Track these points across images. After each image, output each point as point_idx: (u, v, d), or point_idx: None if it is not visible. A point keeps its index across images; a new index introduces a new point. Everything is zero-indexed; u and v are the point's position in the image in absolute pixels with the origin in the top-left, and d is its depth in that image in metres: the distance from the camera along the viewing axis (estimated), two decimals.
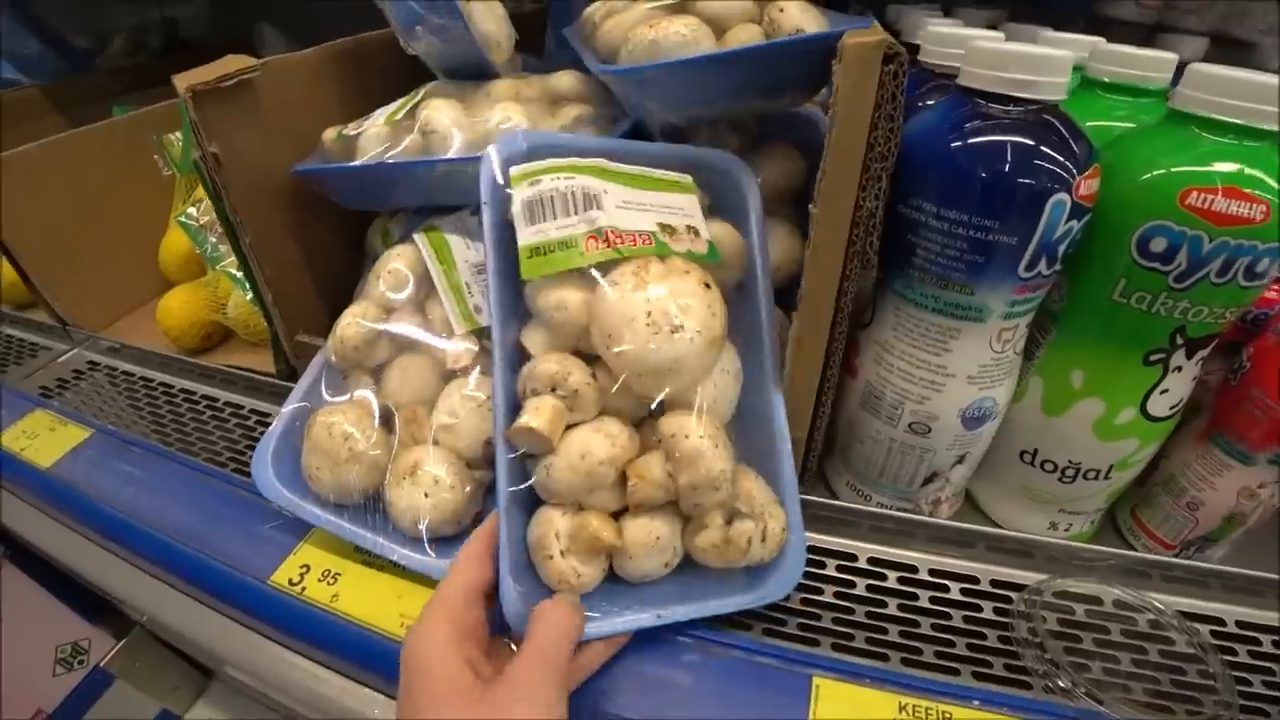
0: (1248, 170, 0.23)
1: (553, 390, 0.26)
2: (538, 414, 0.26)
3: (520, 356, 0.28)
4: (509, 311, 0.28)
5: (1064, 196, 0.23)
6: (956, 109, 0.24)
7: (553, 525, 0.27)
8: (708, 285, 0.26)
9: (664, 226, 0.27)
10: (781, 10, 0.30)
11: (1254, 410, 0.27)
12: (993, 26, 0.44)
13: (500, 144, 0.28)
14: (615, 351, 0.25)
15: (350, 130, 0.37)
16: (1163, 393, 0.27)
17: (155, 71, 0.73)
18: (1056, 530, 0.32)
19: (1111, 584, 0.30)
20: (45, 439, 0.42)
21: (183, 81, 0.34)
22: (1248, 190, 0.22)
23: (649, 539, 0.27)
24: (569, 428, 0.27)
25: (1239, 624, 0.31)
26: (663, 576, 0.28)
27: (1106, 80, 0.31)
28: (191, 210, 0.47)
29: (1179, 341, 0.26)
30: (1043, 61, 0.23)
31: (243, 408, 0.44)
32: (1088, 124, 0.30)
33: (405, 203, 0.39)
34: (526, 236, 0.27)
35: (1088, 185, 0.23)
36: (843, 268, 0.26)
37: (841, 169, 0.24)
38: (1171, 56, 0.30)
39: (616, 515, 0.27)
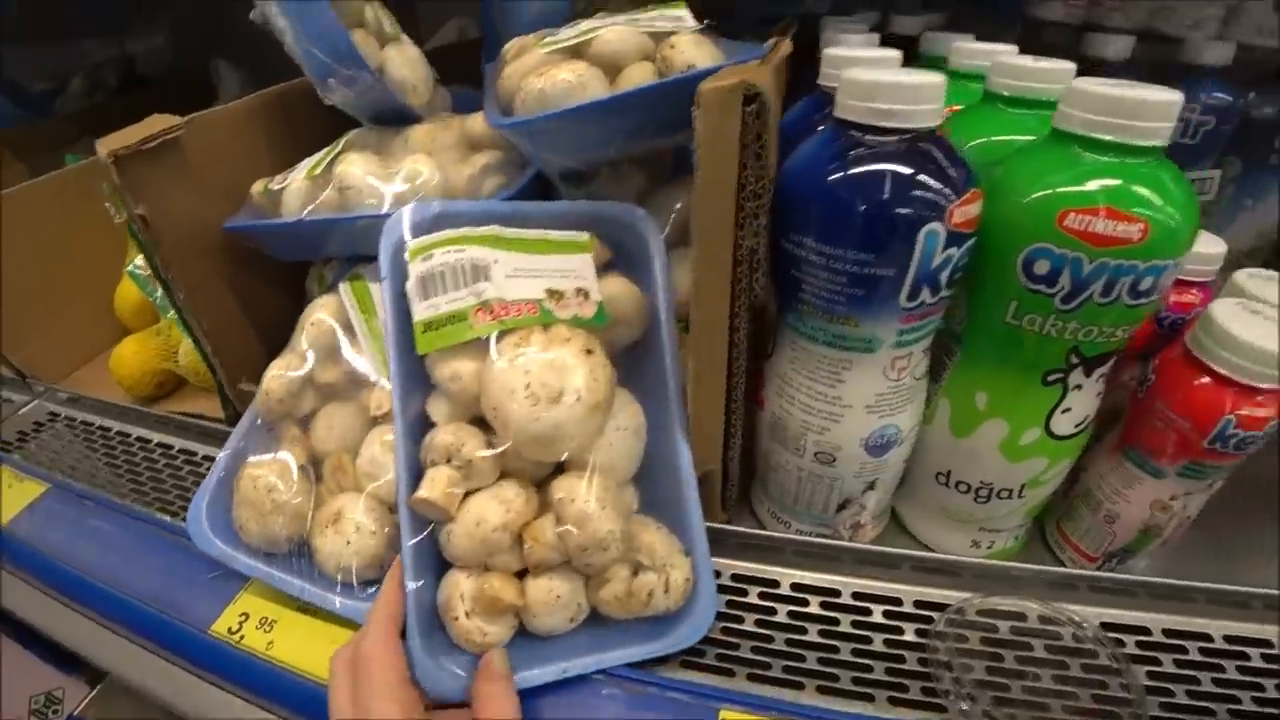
0: (1125, 189, 0.22)
1: (448, 461, 0.26)
2: (433, 486, 0.26)
3: (424, 424, 0.28)
4: (412, 382, 0.28)
5: (937, 226, 0.22)
6: (831, 142, 0.24)
7: (458, 587, 0.27)
8: (589, 351, 0.26)
9: (552, 292, 0.27)
10: (673, 47, 0.30)
11: (1159, 423, 0.27)
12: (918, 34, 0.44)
13: (395, 219, 0.29)
14: (500, 422, 0.25)
15: (275, 185, 0.37)
16: (1065, 411, 0.26)
17: (112, 111, 0.73)
18: (979, 548, 0.31)
19: (1036, 599, 0.30)
20: (4, 495, 0.42)
21: (104, 146, 0.34)
22: (1125, 210, 0.22)
23: (550, 598, 0.26)
24: (469, 494, 0.27)
25: (1165, 632, 0.30)
26: (573, 628, 0.28)
27: (1006, 94, 0.30)
28: (139, 260, 0.47)
29: (1075, 361, 0.25)
30: (911, 91, 0.22)
31: (196, 454, 0.44)
32: (991, 138, 0.30)
33: (334, 254, 0.39)
34: (420, 312, 0.27)
35: (963, 212, 0.23)
36: (730, 306, 0.26)
37: (713, 211, 0.24)
38: (1068, 66, 0.29)
39: (521, 574, 0.27)
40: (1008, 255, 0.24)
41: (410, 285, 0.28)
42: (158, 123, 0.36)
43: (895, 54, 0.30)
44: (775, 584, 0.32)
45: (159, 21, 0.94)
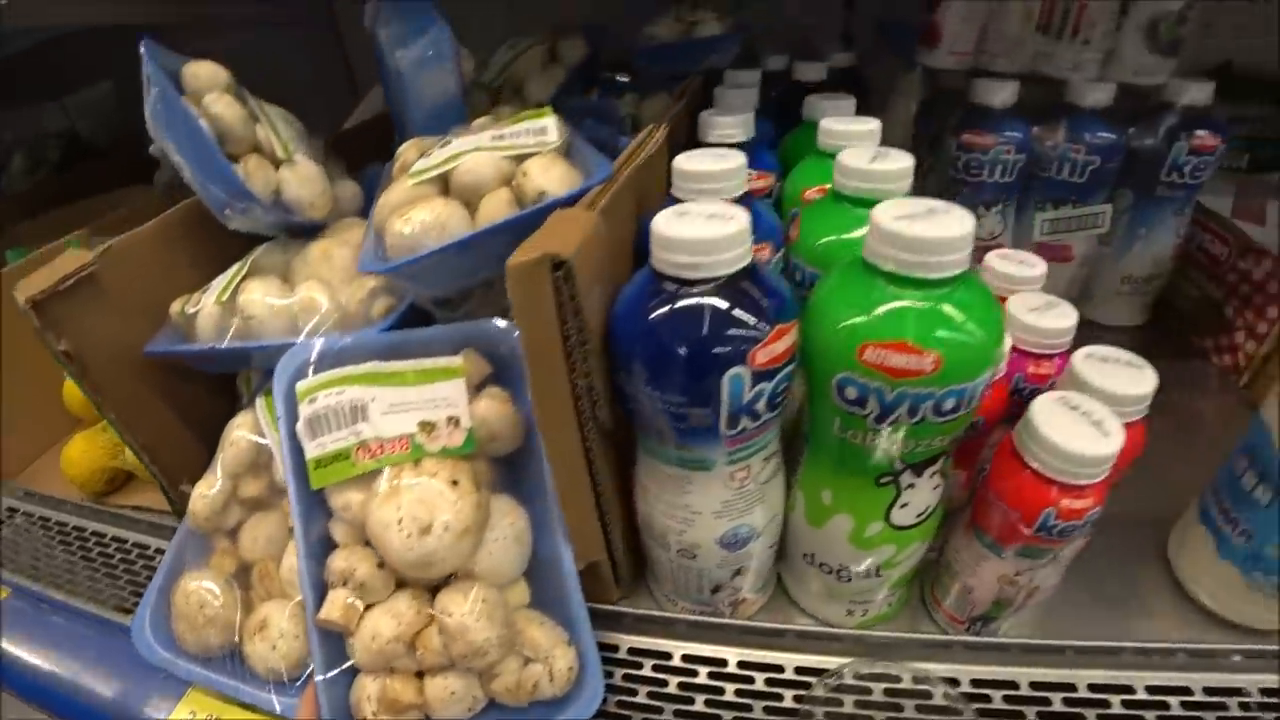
0: (918, 323, 0.23)
1: (345, 583, 0.28)
2: (332, 607, 0.28)
3: (328, 544, 0.30)
4: (311, 508, 0.31)
5: (740, 370, 0.24)
6: (645, 288, 0.25)
7: (365, 690, 0.29)
8: (456, 482, 0.28)
9: (424, 425, 0.29)
10: (525, 174, 0.31)
11: (994, 509, 0.28)
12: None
13: (285, 361, 0.31)
14: (381, 551, 0.27)
15: (190, 307, 0.39)
16: (903, 506, 0.28)
17: (56, 188, 0.74)
18: (853, 616, 0.33)
19: (911, 661, 0.31)
20: None
21: (21, 293, 0.36)
22: (917, 344, 0.23)
23: (446, 694, 0.29)
24: (368, 607, 0.29)
25: (1032, 685, 0.32)
26: (475, 715, 0.30)
27: (847, 194, 0.31)
28: None
29: (900, 466, 0.27)
30: (710, 245, 0.24)
31: (148, 548, 0.46)
32: (838, 237, 0.31)
33: (256, 367, 0.40)
34: (310, 450, 0.29)
35: (769, 351, 0.24)
36: (579, 434, 0.27)
37: (543, 362, 0.25)
38: (904, 166, 0.30)
39: (422, 673, 0.29)
40: (825, 378, 0.26)
41: (300, 427, 0.30)
42: (70, 261, 0.38)
43: (740, 159, 0.31)
44: (668, 656, 0.34)
45: (98, 86, 0.94)
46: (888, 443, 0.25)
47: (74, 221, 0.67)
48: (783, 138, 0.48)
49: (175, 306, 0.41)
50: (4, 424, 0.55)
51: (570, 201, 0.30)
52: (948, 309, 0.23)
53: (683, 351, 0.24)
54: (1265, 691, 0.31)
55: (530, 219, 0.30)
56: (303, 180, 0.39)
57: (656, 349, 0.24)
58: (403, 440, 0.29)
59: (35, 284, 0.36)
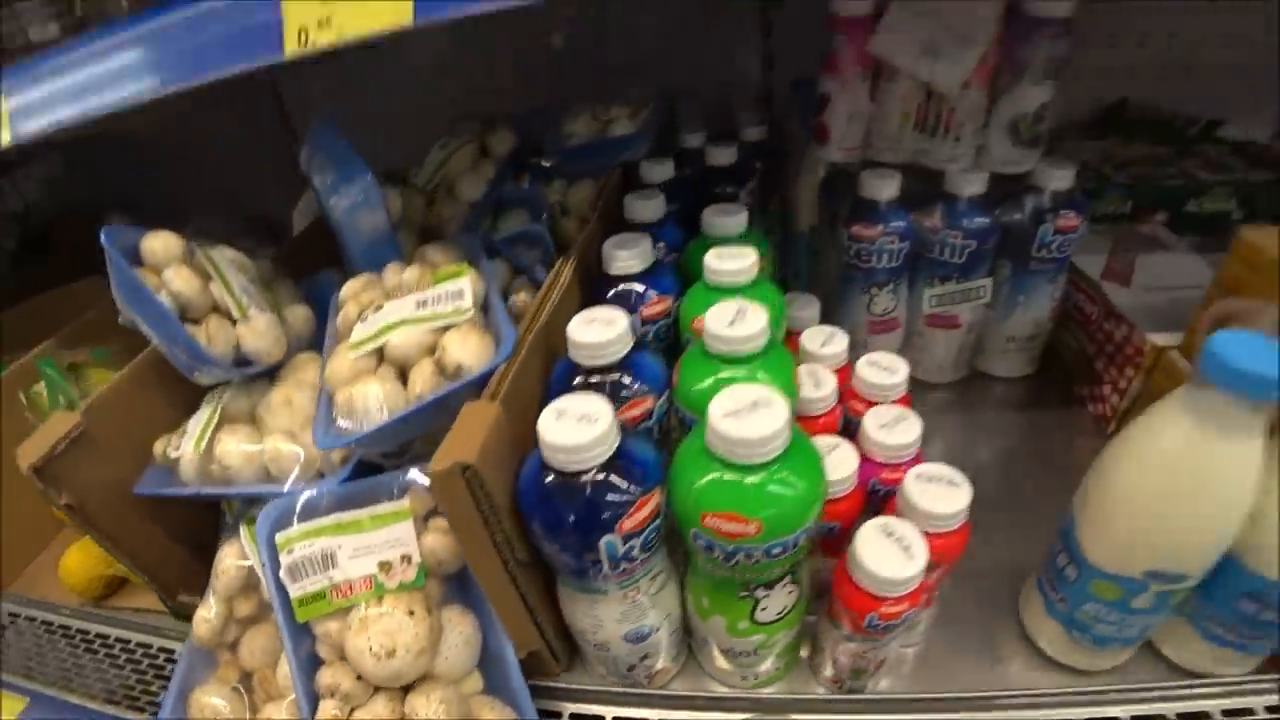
0: (742, 498, 0.33)
1: (332, 695, 0.39)
2: (324, 715, 0.39)
3: (316, 659, 0.41)
4: (299, 632, 0.41)
5: (611, 537, 0.34)
6: (537, 471, 0.35)
7: None
8: (412, 612, 0.38)
9: (383, 564, 0.40)
10: (444, 349, 0.41)
11: (838, 606, 0.39)
12: None
13: (264, 517, 0.41)
14: (357, 670, 0.38)
15: (172, 451, 0.49)
16: (763, 609, 0.39)
17: (13, 281, 0.81)
18: (748, 680, 0.44)
19: (797, 714, 0.43)
20: None
21: (22, 461, 0.45)
22: (742, 514, 0.33)
23: None
24: (352, 710, 0.39)
25: None
26: None
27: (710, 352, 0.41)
28: None
29: (754, 585, 0.37)
30: (578, 448, 0.33)
31: (151, 646, 0.57)
32: (706, 386, 0.41)
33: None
34: (293, 591, 0.40)
35: (635, 519, 0.35)
36: (505, 571, 0.38)
37: (466, 530, 0.36)
38: (756, 329, 0.39)
39: None
40: (684, 529, 0.36)
41: (283, 574, 0.40)
42: (61, 423, 0.47)
43: (622, 326, 0.40)
44: (602, 718, 0.46)
45: (49, 159, 1.01)
46: (737, 573, 0.36)
47: (37, 323, 0.76)
48: (696, 220, 0.57)
49: (158, 448, 0.51)
50: None
51: (483, 379, 0.39)
52: (768, 486, 0.33)
53: (565, 526, 0.34)
54: None
55: (452, 395, 0.40)
56: (258, 334, 0.48)
57: (546, 522, 0.35)
58: (366, 580, 0.40)
59: (34, 451, 0.46)
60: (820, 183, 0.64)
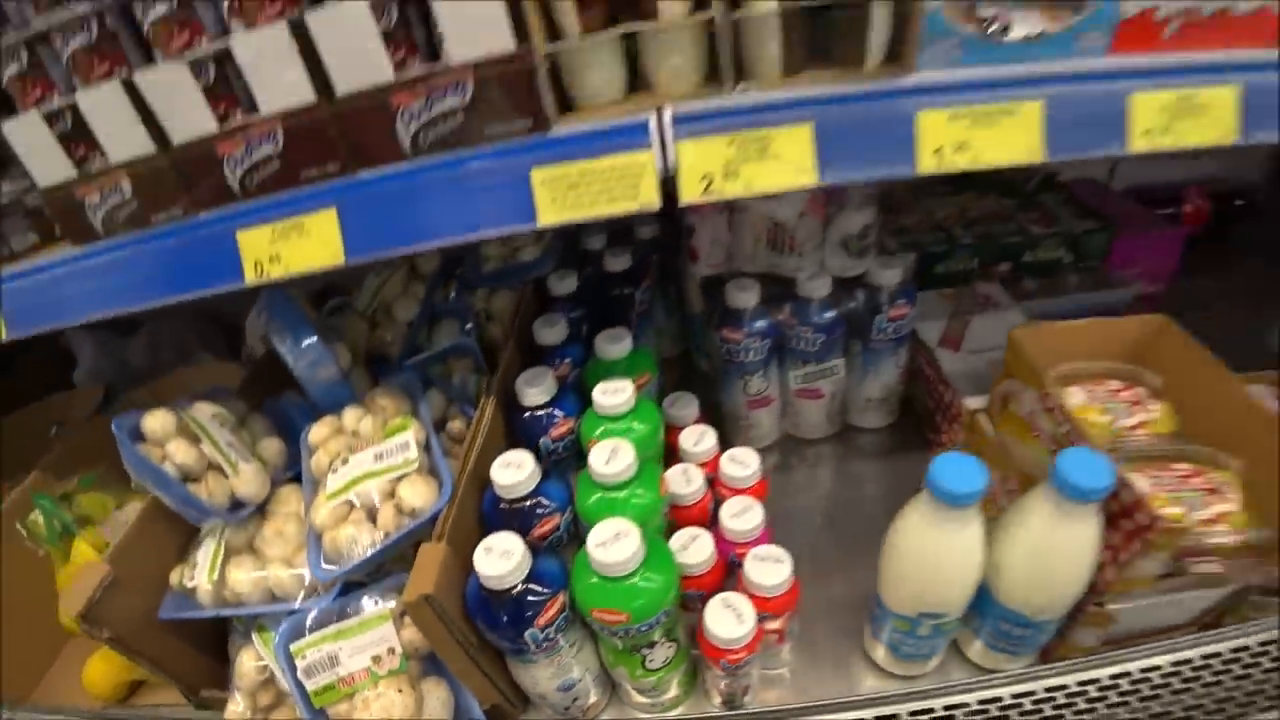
0: (613, 599, 0.54)
1: None
2: None
3: None
4: (314, 713, 0.61)
5: (533, 629, 0.55)
6: (477, 588, 0.55)
7: None
8: (400, 690, 0.59)
9: (374, 658, 0.60)
10: (400, 498, 0.60)
11: (703, 653, 0.60)
12: None
13: (281, 635, 0.60)
14: None
15: (188, 581, 0.68)
16: (651, 661, 0.60)
17: None
18: (657, 708, 0.66)
19: None
20: None
21: (66, 613, 0.64)
22: (616, 609, 0.54)
23: None
24: None
25: None
26: None
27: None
28: None
29: (638, 647, 0.59)
30: (499, 578, 0.54)
31: None
32: (594, 505, 0.61)
33: None
34: (309, 686, 0.60)
35: (548, 615, 0.55)
36: (466, 654, 0.58)
37: (434, 635, 0.56)
38: (623, 466, 0.60)
39: None
40: (582, 614, 0.56)
41: (300, 674, 0.60)
42: (94, 572, 0.66)
43: (529, 470, 0.60)
44: None
45: None
46: (623, 642, 0.57)
47: (14, 443, 0.94)
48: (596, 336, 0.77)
49: (174, 578, 0.70)
50: (12, 656, 0.83)
51: (434, 517, 0.59)
52: (632, 588, 0.54)
53: (500, 625, 0.55)
54: (913, 713, 0.65)
55: (410, 533, 0.60)
56: (248, 483, 0.67)
57: (486, 623, 0.55)
58: (364, 671, 0.60)
59: (75, 602, 0.64)
60: (698, 285, 0.84)
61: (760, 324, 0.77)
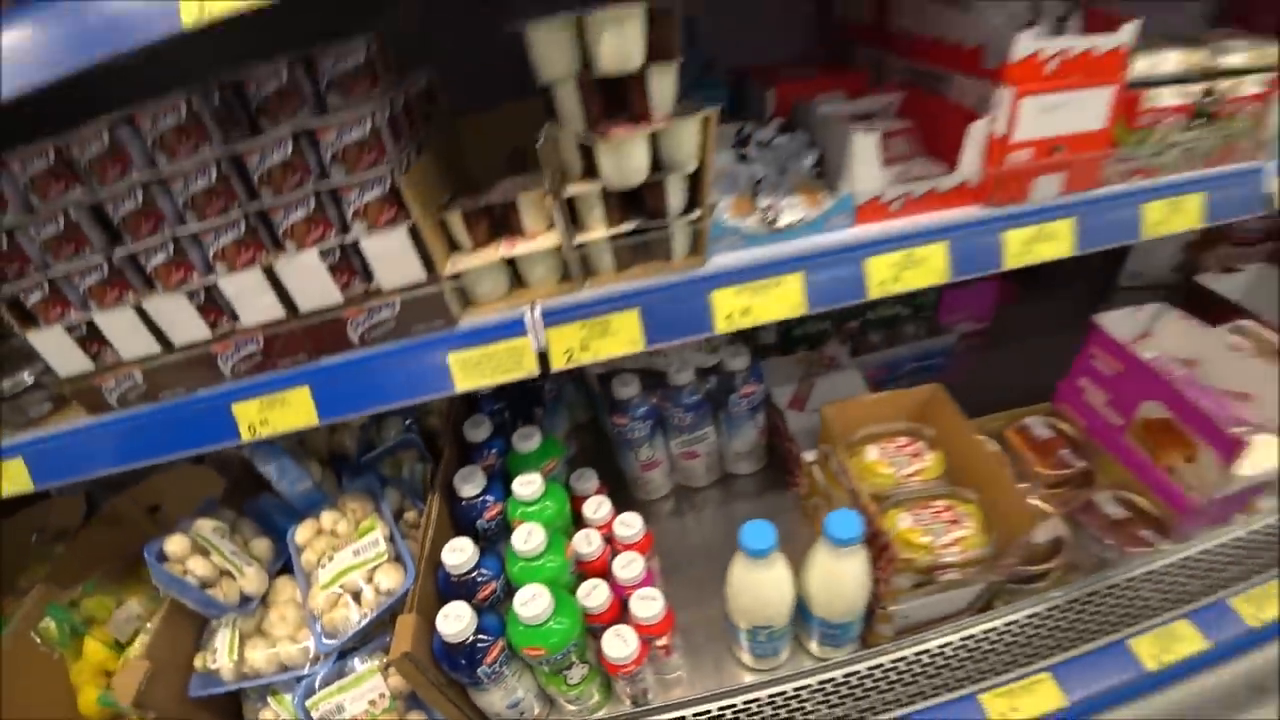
0: (533, 639, 0.83)
1: None
2: None
3: None
4: None
5: (483, 667, 0.84)
6: (440, 641, 0.84)
7: None
8: None
9: (370, 702, 0.88)
10: (376, 583, 0.88)
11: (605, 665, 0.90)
12: None
13: (298, 694, 0.88)
14: None
15: (211, 664, 0.94)
16: (570, 679, 0.90)
17: None
18: (584, 710, 0.96)
19: None
20: None
21: (124, 700, 0.90)
22: (537, 646, 0.83)
23: None
24: None
25: None
26: None
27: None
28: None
29: (559, 669, 0.88)
30: (454, 636, 0.82)
31: None
32: (520, 572, 0.90)
33: None
34: None
35: (492, 655, 0.84)
36: (443, 695, 0.87)
37: (416, 682, 0.84)
38: (537, 544, 0.89)
39: None
40: (517, 651, 0.86)
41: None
42: (137, 668, 0.91)
43: (469, 552, 0.89)
44: None
45: None
46: (547, 667, 0.86)
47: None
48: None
49: (198, 662, 0.96)
50: None
51: (404, 594, 0.87)
52: (546, 631, 0.83)
53: (458, 668, 0.83)
54: (771, 695, 0.96)
55: (389, 607, 0.88)
56: (252, 581, 0.94)
57: (449, 668, 0.84)
58: (364, 714, 0.88)
59: (126, 692, 0.90)
60: (595, 378, 1.13)
61: (642, 409, 1.06)
